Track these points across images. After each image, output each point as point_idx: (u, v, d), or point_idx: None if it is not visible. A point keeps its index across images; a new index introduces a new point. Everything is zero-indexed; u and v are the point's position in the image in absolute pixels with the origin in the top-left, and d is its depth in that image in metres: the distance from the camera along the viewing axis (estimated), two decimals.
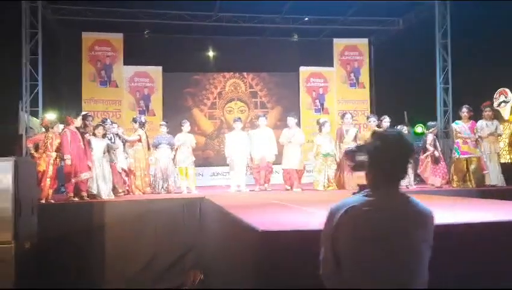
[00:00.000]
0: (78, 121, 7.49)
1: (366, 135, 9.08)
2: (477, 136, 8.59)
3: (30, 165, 6.00)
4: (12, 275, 4.86)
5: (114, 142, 8.39)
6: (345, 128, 9.09)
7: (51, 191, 7.20)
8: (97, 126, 7.94)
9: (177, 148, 8.96)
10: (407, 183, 8.91)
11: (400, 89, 12.17)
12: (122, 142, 8.68)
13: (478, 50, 10.92)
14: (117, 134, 8.63)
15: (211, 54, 13.32)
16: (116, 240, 6.77)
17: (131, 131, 9.39)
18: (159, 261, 6.86)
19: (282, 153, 9.29)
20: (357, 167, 2.25)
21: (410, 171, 8.94)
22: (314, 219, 3.63)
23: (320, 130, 9.05)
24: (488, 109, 8.72)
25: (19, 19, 9.88)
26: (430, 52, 11.16)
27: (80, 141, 7.33)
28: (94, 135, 7.82)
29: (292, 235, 2.87)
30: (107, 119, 8.92)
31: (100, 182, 7.61)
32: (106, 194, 7.63)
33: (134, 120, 9.18)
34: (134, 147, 8.88)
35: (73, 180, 7.23)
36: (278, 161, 9.45)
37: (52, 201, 7.15)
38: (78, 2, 11.14)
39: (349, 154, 2.35)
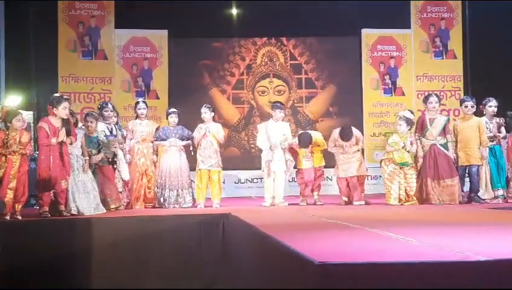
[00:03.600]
0: (62, 111, 7.49)
1: (460, 126, 8.95)
2: None
3: None
4: None
5: (115, 135, 8.61)
6: (428, 116, 8.98)
7: (19, 206, 7.32)
8: (58, 101, 7.50)
9: (199, 144, 9.07)
10: None
11: (508, 58, 11.96)
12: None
13: None
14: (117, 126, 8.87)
15: (235, 11, 13.35)
16: (109, 271, 6.85)
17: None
18: None
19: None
20: None
21: None
22: (391, 246, 3.61)
23: (410, 128, 8.82)
24: None
25: None
26: None
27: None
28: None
29: (363, 269, 2.85)
30: (107, 104, 9.08)
31: (79, 195, 7.70)
32: (89, 210, 7.71)
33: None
34: (146, 144, 9.14)
35: (58, 188, 7.34)
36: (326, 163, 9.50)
37: (20, 218, 7.27)
38: None
39: None
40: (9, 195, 7.13)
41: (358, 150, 9.08)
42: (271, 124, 9.23)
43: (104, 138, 8.42)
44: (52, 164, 7.30)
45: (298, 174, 9.26)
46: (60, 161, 7.39)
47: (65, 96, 7.63)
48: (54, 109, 7.38)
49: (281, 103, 9.61)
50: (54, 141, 7.25)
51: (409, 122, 8.73)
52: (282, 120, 9.33)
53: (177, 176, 8.99)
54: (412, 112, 9.07)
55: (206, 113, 9.10)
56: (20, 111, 7.96)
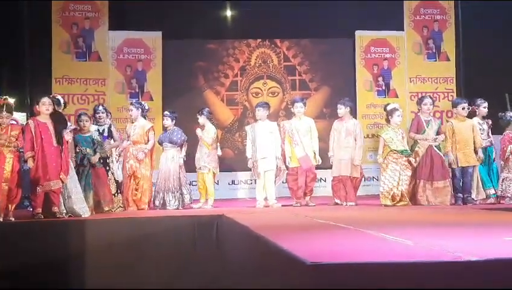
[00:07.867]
0: (42, 107, 7.52)
1: (456, 127, 8.89)
2: None
3: None
4: None
5: (106, 137, 8.59)
6: (423, 117, 9.01)
7: (12, 206, 7.30)
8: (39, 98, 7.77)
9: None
10: None
11: (500, 61, 11.98)
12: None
13: None
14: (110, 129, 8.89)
15: (229, 13, 13.35)
16: (104, 272, 6.82)
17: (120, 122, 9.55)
18: None
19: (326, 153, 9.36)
20: None
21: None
22: (384, 247, 3.62)
23: (388, 120, 8.95)
24: None
25: None
26: None
27: (51, 136, 7.43)
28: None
29: (355, 269, 2.86)
30: (99, 106, 9.16)
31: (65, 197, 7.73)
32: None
33: (137, 105, 9.36)
34: (137, 146, 9.10)
35: (39, 189, 7.31)
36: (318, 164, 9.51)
37: (13, 219, 7.25)
38: None
39: None
40: (3, 193, 7.11)
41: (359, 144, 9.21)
42: (258, 125, 9.28)
43: (98, 137, 8.43)
44: (41, 161, 7.29)
45: (289, 176, 9.25)
46: (56, 160, 7.38)
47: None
48: (37, 106, 7.53)
49: (265, 103, 9.63)
50: (29, 154, 7.29)
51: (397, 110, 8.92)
52: (268, 119, 9.37)
53: (168, 178, 9.04)
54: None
55: (198, 119, 9.27)
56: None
